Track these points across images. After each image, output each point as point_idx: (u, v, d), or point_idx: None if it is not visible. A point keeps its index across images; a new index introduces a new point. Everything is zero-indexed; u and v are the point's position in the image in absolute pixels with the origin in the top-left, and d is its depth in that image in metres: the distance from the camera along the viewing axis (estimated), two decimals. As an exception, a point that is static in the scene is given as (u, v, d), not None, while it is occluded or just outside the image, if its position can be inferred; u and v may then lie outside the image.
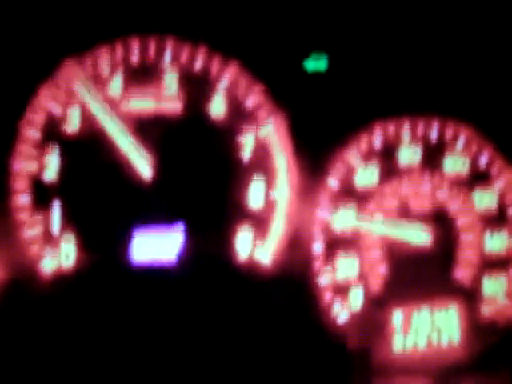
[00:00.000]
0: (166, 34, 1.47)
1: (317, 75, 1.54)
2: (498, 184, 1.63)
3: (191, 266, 1.46)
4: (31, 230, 1.41)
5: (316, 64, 1.54)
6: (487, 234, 1.62)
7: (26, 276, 1.40)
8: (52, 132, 1.42)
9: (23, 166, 1.41)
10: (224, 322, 1.47)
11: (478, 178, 1.62)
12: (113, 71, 1.45)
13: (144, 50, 1.46)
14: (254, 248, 1.50)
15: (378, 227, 1.56)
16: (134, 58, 1.46)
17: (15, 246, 1.40)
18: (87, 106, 1.43)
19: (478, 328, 1.61)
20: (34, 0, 1.42)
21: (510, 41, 1.62)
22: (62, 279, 1.42)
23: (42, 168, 1.41)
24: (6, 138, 1.40)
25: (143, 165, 1.44)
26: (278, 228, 1.51)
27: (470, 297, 1.61)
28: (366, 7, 1.55)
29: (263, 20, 1.52)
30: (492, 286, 1.62)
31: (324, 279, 1.54)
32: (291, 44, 1.53)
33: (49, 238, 1.42)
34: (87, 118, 1.43)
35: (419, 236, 1.57)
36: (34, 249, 1.41)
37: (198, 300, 1.46)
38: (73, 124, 1.43)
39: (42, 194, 1.41)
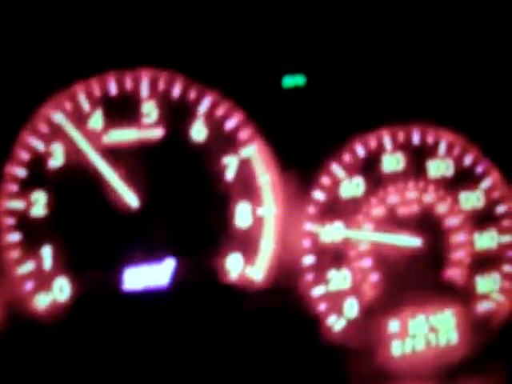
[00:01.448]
0: (143, 66, 1.48)
1: (295, 91, 1.55)
2: (484, 183, 1.64)
3: (183, 290, 1.47)
4: (23, 267, 1.42)
5: (294, 80, 1.55)
6: (476, 233, 1.63)
7: (21, 313, 1.41)
8: (37, 169, 1.43)
9: (11, 204, 1.42)
10: (219, 343, 1.48)
11: (463, 179, 1.64)
12: (92, 106, 1.46)
13: (121, 83, 1.48)
14: (244, 268, 1.51)
15: (368, 235, 1.56)
16: (112, 91, 1.47)
17: (8, 284, 1.40)
18: (70, 141, 1.44)
19: (474, 326, 1.62)
20: (11, 43, 1.43)
21: (487, 45, 1.63)
22: (56, 313, 1.43)
23: (29, 205, 1.43)
24: (-8, 178, 1.42)
25: (130, 195, 1.46)
26: (268, 244, 1.53)
27: (464, 296, 1.62)
28: (339, 22, 1.57)
29: (239, 43, 1.54)
30: (486, 284, 1.64)
31: (317, 291, 1.55)
32: (268, 64, 1.54)
33: (41, 274, 1.43)
34: (71, 153, 1.45)
35: (409, 241, 1.58)
36: (28, 286, 1.42)
37: (191, 323, 1.47)
38: (57, 160, 1.44)
39: (31, 231, 1.43)
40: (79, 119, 1.46)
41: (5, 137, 1.43)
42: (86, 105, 1.46)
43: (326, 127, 1.57)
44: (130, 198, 1.46)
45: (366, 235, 1.57)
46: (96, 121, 1.46)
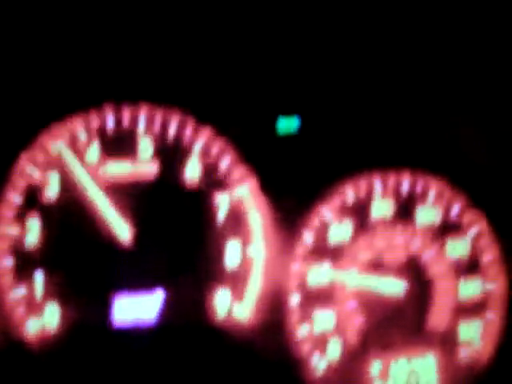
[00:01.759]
0: (140, 102, 1.52)
1: (288, 137, 1.58)
2: (471, 232, 1.67)
3: (171, 325, 1.49)
4: (14, 294, 1.44)
5: (287, 126, 1.58)
6: (461, 281, 1.66)
7: (10, 339, 1.43)
8: (33, 197, 1.47)
9: (5, 229, 1.45)
10: (205, 379, 1.50)
11: (450, 227, 1.66)
12: (89, 138, 1.49)
13: (118, 118, 1.51)
14: (232, 305, 1.54)
15: (353, 279, 1.59)
16: (110, 125, 1.51)
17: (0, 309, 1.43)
18: (66, 171, 1.47)
19: (455, 372, 1.65)
20: (12, 72, 1.47)
21: (474, 96, 1.67)
22: (46, 341, 1.45)
23: (23, 232, 1.46)
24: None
25: (122, 228, 1.49)
26: (256, 285, 1.56)
27: (446, 342, 1.64)
28: (334, 67, 1.60)
29: (234, 85, 1.57)
30: (468, 331, 1.66)
31: (301, 332, 1.57)
32: (262, 107, 1.58)
33: (32, 302, 1.46)
34: (66, 184, 1.48)
35: (393, 286, 1.61)
36: (18, 312, 1.45)
37: (178, 358, 1.50)
38: (53, 189, 1.47)
39: (24, 257, 1.46)
40: (76, 150, 1.49)
41: (3, 163, 1.45)
42: (83, 136, 1.49)
43: (317, 171, 1.60)
44: (123, 231, 1.48)
45: (351, 279, 1.59)
46: (93, 154, 1.49)
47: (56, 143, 1.48)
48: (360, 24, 1.61)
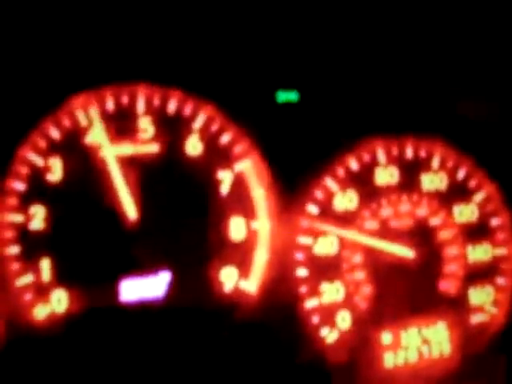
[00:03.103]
0: (139, 82, 1.51)
1: (288, 106, 1.58)
2: (478, 197, 1.67)
3: (178, 302, 1.50)
4: (22, 279, 1.45)
5: (287, 95, 1.58)
6: (470, 246, 1.65)
7: (20, 324, 1.44)
8: (36, 183, 1.47)
9: (10, 217, 1.46)
10: (213, 354, 1.51)
11: (456, 192, 1.66)
12: (90, 121, 1.49)
13: (118, 99, 1.51)
14: (239, 280, 1.54)
15: (364, 240, 1.59)
16: (109, 106, 1.51)
17: (7, 296, 1.44)
18: (68, 156, 1.48)
19: (467, 338, 1.64)
20: (10, 60, 1.47)
21: (477, 54, 1.65)
22: (54, 326, 1.46)
23: (28, 218, 1.46)
24: (-8, 191, 1.45)
25: (130, 206, 1.49)
26: (262, 257, 1.56)
27: (457, 308, 1.65)
28: (331, 38, 1.60)
29: (233, 58, 1.57)
30: (479, 296, 1.67)
31: (310, 303, 1.58)
32: (262, 79, 1.58)
33: (40, 286, 1.46)
34: (69, 168, 1.48)
35: (403, 251, 1.60)
36: (27, 297, 1.45)
37: (186, 335, 1.50)
38: (56, 175, 1.47)
39: (30, 244, 1.46)
40: (77, 133, 1.49)
41: (4, 152, 1.46)
42: (83, 120, 1.49)
43: (319, 141, 1.60)
44: (130, 210, 1.49)
45: (362, 240, 1.59)
46: (94, 135, 1.49)
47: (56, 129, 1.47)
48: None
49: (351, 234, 1.59)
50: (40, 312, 1.46)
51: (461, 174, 1.67)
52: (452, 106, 1.64)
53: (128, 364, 1.48)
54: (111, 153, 1.50)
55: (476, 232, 1.67)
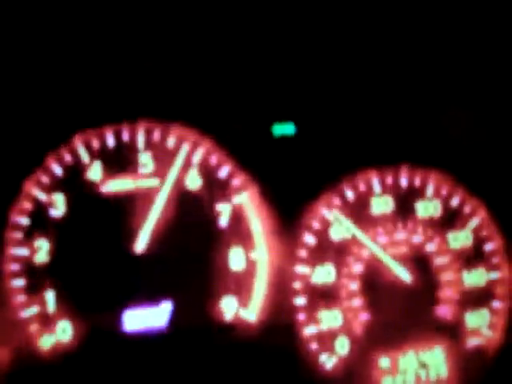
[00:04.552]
0: (138, 118, 1.56)
1: (284, 139, 1.62)
2: (472, 222, 1.69)
3: (180, 331, 1.54)
4: (28, 311, 1.50)
5: (283, 129, 1.62)
6: (465, 271, 1.68)
7: (25, 354, 1.49)
8: (40, 218, 1.52)
9: (15, 251, 1.50)
10: (216, 380, 1.55)
11: (451, 219, 1.69)
12: (91, 157, 1.54)
13: (118, 135, 1.56)
14: (238, 310, 1.58)
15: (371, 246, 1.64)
16: (110, 143, 1.55)
17: (13, 327, 1.49)
18: (71, 191, 1.52)
19: (464, 361, 1.67)
20: (13, 97, 1.52)
21: (471, 87, 1.69)
22: (60, 356, 1.50)
23: (33, 252, 1.51)
24: (-2, 226, 1.50)
25: (139, 239, 1.55)
26: (261, 287, 1.60)
27: (453, 332, 1.67)
28: (327, 72, 1.64)
29: (229, 97, 1.62)
30: (475, 320, 1.68)
31: (309, 330, 1.61)
32: (259, 114, 1.62)
33: (45, 317, 1.51)
34: (72, 203, 1.53)
35: (403, 273, 1.64)
36: (32, 328, 1.50)
37: (188, 362, 1.54)
38: (59, 209, 1.52)
39: (35, 276, 1.51)
40: (79, 170, 1.53)
41: (9, 187, 1.51)
42: (85, 156, 1.53)
43: (315, 173, 1.64)
44: (138, 242, 1.54)
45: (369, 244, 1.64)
46: (95, 172, 1.54)
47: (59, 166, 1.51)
48: (351, 22, 1.64)
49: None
50: (45, 342, 1.51)
51: (455, 201, 1.69)
52: (448, 137, 1.67)
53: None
54: (112, 188, 1.53)
55: (471, 257, 1.69)
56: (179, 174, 1.58)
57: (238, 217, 1.60)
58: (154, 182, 1.56)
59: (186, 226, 1.57)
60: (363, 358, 1.63)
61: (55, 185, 1.53)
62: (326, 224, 1.63)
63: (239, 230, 1.59)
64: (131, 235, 1.55)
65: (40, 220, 1.52)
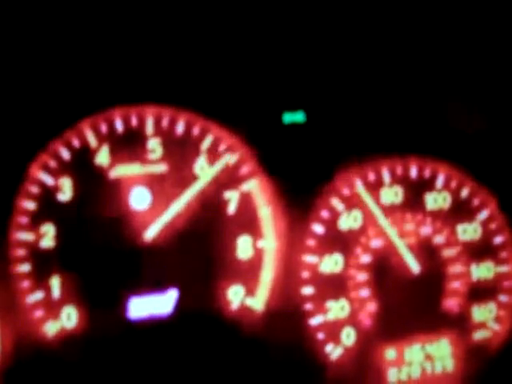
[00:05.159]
0: (147, 103, 1.54)
1: (295, 127, 1.61)
2: (481, 215, 1.68)
3: (185, 319, 1.53)
4: (33, 296, 1.48)
5: (294, 116, 1.60)
6: (473, 264, 1.67)
7: (30, 340, 1.48)
8: (47, 202, 1.50)
9: (21, 236, 1.49)
10: (220, 371, 1.54)
11: (460, 211, 1.68)
12: (99, 143, 1.52)
13: (127, 120, 1.54)
14: (245, 298, 1.57)
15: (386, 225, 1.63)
16: (118, 128, 1.54)
17: (18, 312, 1.47)
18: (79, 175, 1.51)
19: (470, 354, 1.67)
20: (21, 81, 1.50)
21: (480, 79, 1.68)
22: (65, 340, 1.49)
23: (39, 237, 1.49)
24: (4, 210, 1.48)
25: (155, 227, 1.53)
26: (268, 276, 1.59)
27: (460, 325, 1.66)
28: (338, 59, 1.63)
29: (240, 80, 1.60)
30: (481, 313, 1.68)
31: (315, 320, 1.60)
32: (269, 101, 1.61)
33: (50, 303, 1.49)
34: (79, 187, 1.52)
35: (412, 263, 1.63)
36: (37, 314, 1.49)
37: (194, 351, 1.53)
38: (66, 194, 1.51)
39: (41, 262, 1.49)
40: (86, 154, 1.52)
41: (16, 171, 1.49)
42: (93, 141, 1.52)
43: (325, 162, 1.63)
44: (149, 229, 1.53)
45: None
46: (103, 157, 1.52)
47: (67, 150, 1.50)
48: (358, 15, 1.63)
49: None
50: (50, 328, 1.50)
51: (464, 193, 1.69)
52: (458, 128, 1.66)
53: (136, 380, 1.50)
54: (120, 173, 1.52)
55: (479, 250, 1.69)
56: (187, 160, 1.56)
57: (246, 205, 1.58)
58: (161, 168, 1.54)
59: (192, 213, 1.55)
60: (369, 349, 1.63)
61: (62, 169, 1.51)
62: (335, 213, 1.62)
63: (247, 218, 1.58)
64: (139, 222, 1.52)
65: (47, 205, 1.50)
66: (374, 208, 1.62)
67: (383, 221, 1.62)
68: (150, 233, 1.53)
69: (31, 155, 1.50)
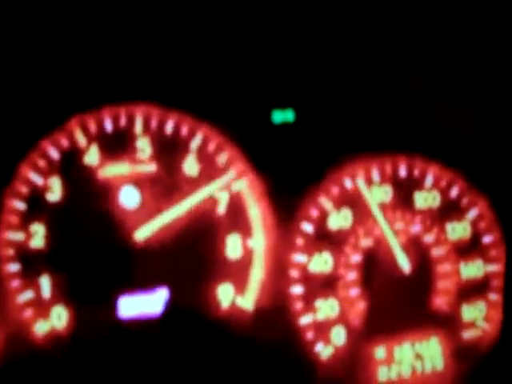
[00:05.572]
0: (136, 102, 1.55)
1: (284, 126, 1.61)
2: (471, 214, 1.69)
3: (175, 319, 1.53)
4: (23, 296, 1.48)
5: (283, 115, 1.60)
6: (463, 263, 1.68)
7: (19, 340, 1.47)
8: (36, 202, 1.50)
9: (11, 235, 1.49)
10: (211, 368, 1.53)
11: (449, 210, 1.68)
12: (88, 141, 1.52)
13: (116, 119, 1.54)
14: (235, 298, 1.57)
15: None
16: (107, 127, 1.54)
17: (8, 312, 1.47)
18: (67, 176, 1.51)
19: (460, 353, 1.67)
20: (9, 79, 1.50)
21: (468, 77, 1.68)
22: (55, 340, 1.49)
23: (29, 237, 1.49)
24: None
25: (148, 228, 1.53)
26: (257, 274, 1.59)
27: (449, 324, 1.67)
28: (327, 58, 1.63)
29: (228, 82, 1.60)
30: (471, 312, 1.68)
31: (305, 320, 1.60)
32: (258, 100, 1.61)
33: (40, 302, 1.49)
34: (69, 187, 1.51)
35: (404, 262, 1.63)
36: (27, 313, 1.49)
37: (184, 350, 1.52)
38: (55, 194, 1.51)
39: (30, 261, 1.49)
40: (75, 154, 1.52)
41: (5, 171, 1.49)
42: (82, 140, 1.52)
43: (314, 161, 1.63)
44: (141, 230, 1.53)
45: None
46: (92, 156, 1.52)
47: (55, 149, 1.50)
48: (347, 14, 1.63)
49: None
50: (40, 328, 1.49)
51: (454, 192, 1.69)
52: (447, 127, 1.67)
53: (126, 379, 1.50)
54: (109, 172, 1.52)
55: (469, 249, 1.69)
56: (177, 159, 1.56)
57: (235, 204, 1.59)
58: (150, 168, 1.54)
59: (182, 212, 1.55)
60: (359, 349, 1.63)
61: (51, 169, 1.51)
62: (325, 213, 1.62)
63: (237, 218, 1.59)
64: (129, 221, 1.53)
65: (36, 204, 1.50)
66: (372, 204, 1.61)
67: (380, 218, 1.61)
68: (140, 232, 1.52)
69: (21, 155, 1.50)
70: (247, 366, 1.54)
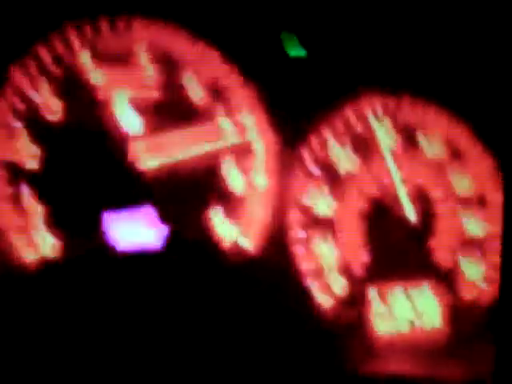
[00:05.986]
0: (134, 14, 1.50)
1: (296, 61, 1.59)
2: (476, 168, 1.66)
3: (176, 251, 1.47)
4: (13, 221, 1.41)
5: (297, 50, 1.57)
6: (465, 219, 1.65)
7: (9, 268, 1.40)
8: (32, 120, 1.43)
9: (5, 157, 1.41)
10: (210, 307, 1.48)
11: (456, 164, 1.65)
12: (83, 47, 1.46)
13: (113, 27, 1.48)
14: (238, 235, 1.53)
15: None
16: (104, 34, 1.48)
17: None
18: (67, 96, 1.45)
19: (458, 311, 1.63)
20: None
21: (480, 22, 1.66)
22: (45, 268, 1.42)
23: (21, 157, 1.41)
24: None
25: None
26: (260, 214, 1.55)
27: (449, 282, 1.64)
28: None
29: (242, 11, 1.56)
30: (471, 272, 1.65)
31: (305, 265, 1.56)
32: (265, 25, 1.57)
33: (32, 229, 1.42)
34: (69, 108, 1.45)
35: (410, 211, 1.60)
36: (17, 240, 1.41)
37: (182, 285, 1.47)
38: (55, 114, 1.44)
39: (24, 186, 1.42)
40: (69, 58, 1.46)
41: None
42: (77, 45, 1.46)
43: (319, 95, 1.59)
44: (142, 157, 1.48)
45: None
46: (85, 60, 1.46)
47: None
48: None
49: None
50: (30, 255, 1.41)
51: (461, 146, 1.66)
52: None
53: (124, 314, 1.44)
54: (111, 93, 1.47)
55: (473, 205, 1.66)
56: (181, 84, 1.51)
57: (239, 135, 1.55)
58: (153, 93, 1.50)
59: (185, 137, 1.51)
60: (358, 296, 1.58)
61: (44, 75, 1.43)
62: (332, 155, 1.59)
63: (241, 152, 1.54)
64: (130, 148, 1.47)
65: (32, 122, 1.43)
66: (383, 140, 1.57)
67: (389, 160, 1.57)
68: (143, 161, 1.46)
69: (13, 58, 1.42)
70: (246, 309, 1.49)
